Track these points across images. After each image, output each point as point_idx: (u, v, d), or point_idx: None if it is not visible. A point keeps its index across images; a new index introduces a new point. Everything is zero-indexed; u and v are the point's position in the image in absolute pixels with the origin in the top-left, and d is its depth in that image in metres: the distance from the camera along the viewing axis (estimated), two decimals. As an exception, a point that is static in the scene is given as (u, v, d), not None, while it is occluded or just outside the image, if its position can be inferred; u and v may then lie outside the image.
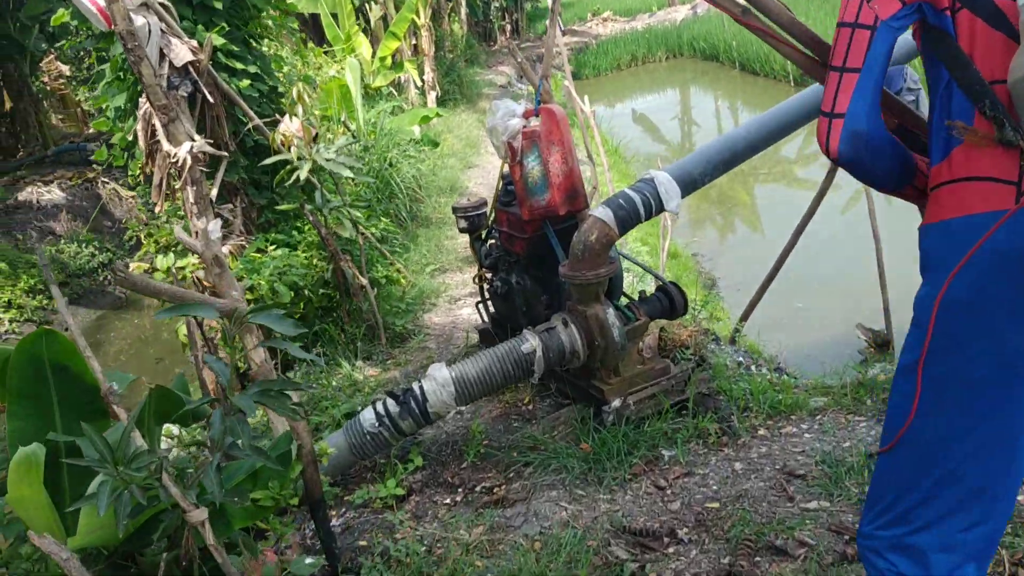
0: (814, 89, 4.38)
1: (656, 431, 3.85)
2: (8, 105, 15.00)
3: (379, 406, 3.88)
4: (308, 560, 2.64)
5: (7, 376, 3.07)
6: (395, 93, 13.28)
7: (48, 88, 16.56)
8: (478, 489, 3.80)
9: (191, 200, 4.95)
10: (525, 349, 3.87)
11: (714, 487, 3.46)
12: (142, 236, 6.73)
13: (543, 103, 4.07)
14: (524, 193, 4.04)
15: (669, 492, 3.48)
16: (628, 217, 3.83)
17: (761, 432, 3.86)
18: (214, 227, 4.24)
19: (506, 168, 4.31)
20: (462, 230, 4.99)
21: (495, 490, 3.76)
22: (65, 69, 16.30)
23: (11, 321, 10.72)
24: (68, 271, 12.00)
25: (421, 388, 3.85)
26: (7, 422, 3.10)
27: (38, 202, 13.32)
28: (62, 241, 12.47)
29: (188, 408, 2.67)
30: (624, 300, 4.34)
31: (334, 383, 5.08)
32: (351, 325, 5.74)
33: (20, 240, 12.34)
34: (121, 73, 5.64)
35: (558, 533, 3.28)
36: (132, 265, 5.88)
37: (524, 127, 3.98)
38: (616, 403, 3.93)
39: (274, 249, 5.55)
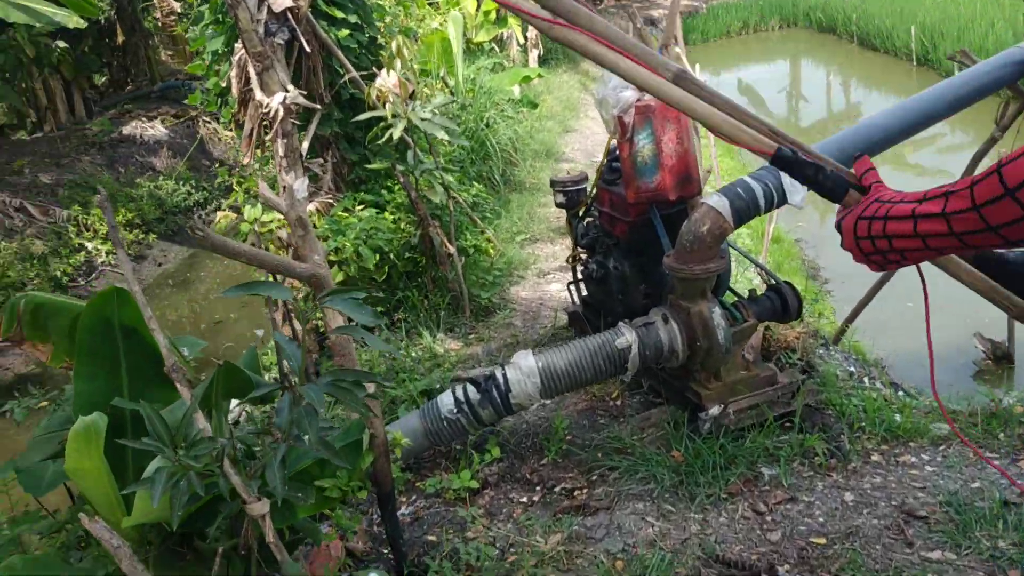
0: (961, 79, 3.92)
1: (757, 446, 3.52)
2: (120, 39, 15.20)
3: (459, 391, 3.64)
4: (372, 575, 2.43)
5: (77, 335, 2.93)
6: (496, 49, 12.92)
7: (159, 24, 16.75)
8: (557, 490, 3.55)
9: (281, 153, 4.77)
10: (620, 344, 3.57)
11: (820, 519, 3.12)
12: (233, 183, 6.62)
13: (661, 76, 3.71)
14: (631, 173, 3.71)
15: (769, 519, 3.16)
16: (746, 208, 3.46)
17: (875, 458, 3.49)
18: (300, 186, 4.03)
19: (613, 143, 3.97)
20: (559, 205, 4.68)
21: (576, 493, 3.49)
22: (176, 6, 16.44)
23: (107, 253, 10.90)
24: (165, 207, 12.15)
25: (504, 376, 3.60)
26: (74, 382, 2.97)
27: (141, 137, 13.50)
28: (161, 177, 12.61)
29: (256, 395, 2.47)
30: (730, 297, 3.99)
31: (413, 354, 4.88)
32: (435, 294, 5.51)
33: (122, 173, 12.53)
34: (219, 16, 5.47)
35: (643, 553, 3.00)
36: (219, 214, 5.75)
37: (638, 100, 3.64)
38: (714, 411, 3.60)
39: (362, 209, 5.34)
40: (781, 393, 3.74)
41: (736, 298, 3.94)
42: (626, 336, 3.59)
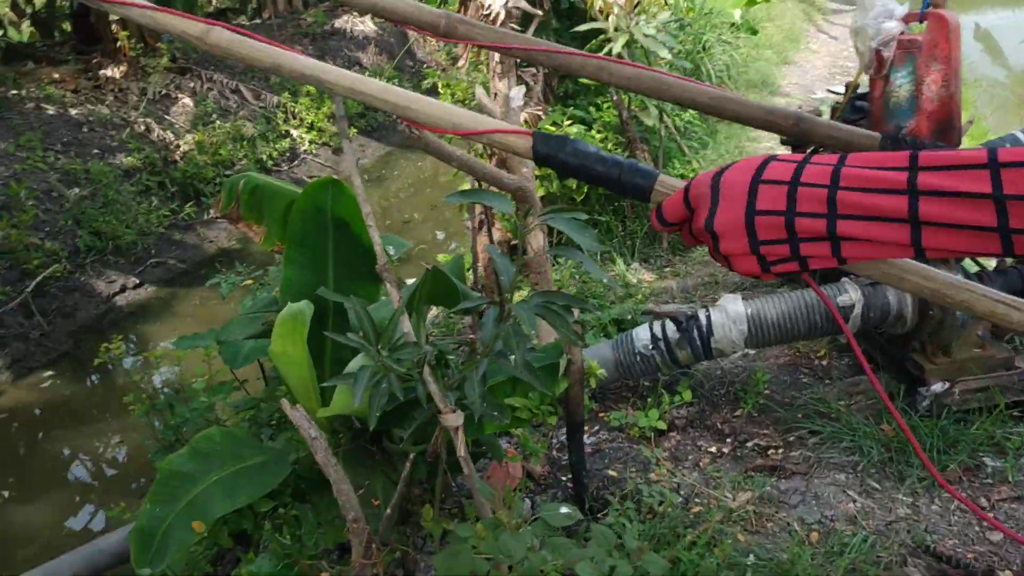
0: None
1: (982, 433, 3.16)
2: (339, -70, 15.48)
3: (656, 327, 3.46)
4: (564, 510, 2.34)
5: (290, 221, 2.95)
6: (719, -32, 12.20)
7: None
8: (750, 445, 3.34)
9: (496, 59, 4.65)
10: (842, 301, 3.27)
11: (1052, 526, 2.77)
12: (439, 85, 6.59)
13: (933, 6, 3.29)
14: (881, 114, 3.33)
15: (990, 516, 2.83)
16: (1013, 168, 3.03)
17: (1123, 467, 3.07)
18: (516, 94, 3.89)
19: (863, 79, 3.59)
20: (785, 142, 4.33)
21: (770, 452, 3.28)
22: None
23: (310, 143, 11.29)
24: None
25: (708, 319, 3.38)
26: (283, 267, 3.01)
27: (351, 31, 13.80)
28: (366, 73, 12.85)
29: (464, 307, 2.38)
30: (973, 266, 3.58)
31: (605, 280, 4.72)
32: (633, 220, 5.31)
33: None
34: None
35: (842, 529, 2.76)
36: (426, 115, 5.72)
37: (902, 34, 3.23)
38: (937, 387, 3.26)
39: (569, 124, 5.16)
40: (1018, 379, 3.33)
41: (979, 268, 3.52)
42: (850, 294, 3.28)
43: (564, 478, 3.21)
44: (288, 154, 10.97)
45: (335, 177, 2.92)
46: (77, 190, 8.74)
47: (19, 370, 6.92)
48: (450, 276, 2.73)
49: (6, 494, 5.58)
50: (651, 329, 3.46)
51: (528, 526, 2.32)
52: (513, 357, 2.24)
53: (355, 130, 11.98)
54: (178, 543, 2.49)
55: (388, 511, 2.40)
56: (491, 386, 2.79)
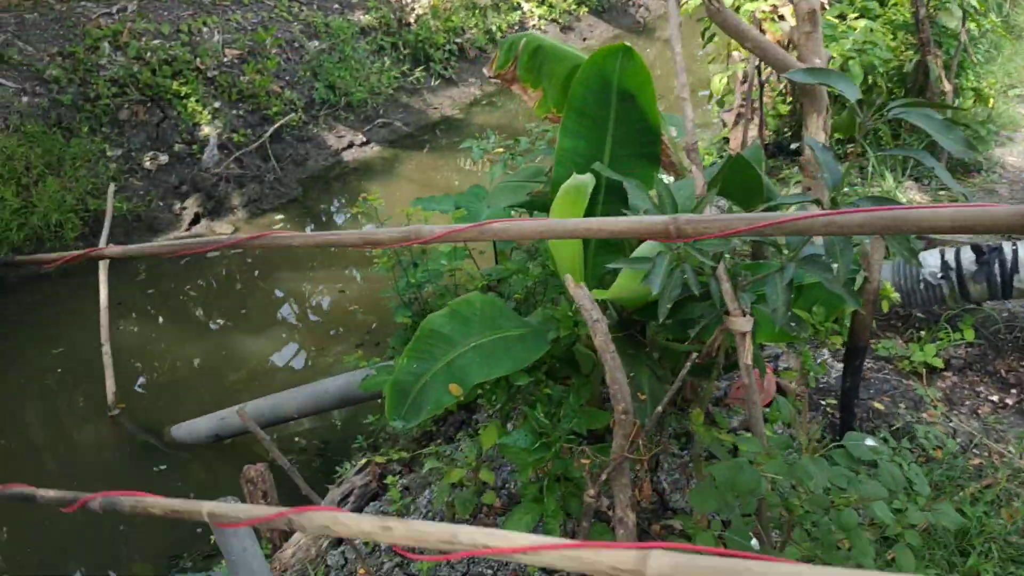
0: None
1: None
2: None
3: (949, 255, 3.09)
4: (869, 442, 2.11)
5: (571, 89, 2.75)
6: None
7: None
8: (1039, 400, 2.97)
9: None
10: None
11: None
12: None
13: None
14: None
15: None
16: None
17: None
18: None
19: None
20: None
21: (1065, 412, 2.90)
22: None
23: (540, 18, 11.02)
24: (600, -19, 11.97)
25: (1015, 253, 2.98)
26: (559, 137, 2.83)
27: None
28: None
29: (778, 202, 2.13)
30: None
31: (869, 193, 4.30)
32: (910, 133, 4.78)
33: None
34: None
35: None
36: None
37: None
38: None
39: (855, 18, 4.64)
40: None
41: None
42: None
43: (823, 401, 2.97)
44: (517, 27, 10.76)
45: (627, 44, 2.68)
46: (317, 43, 8.94)
47: (253, 209, 7.28)
48: (754, 166, 2.46)
49: (221, 322, 5.94)
50: (942, 256, 3.09)
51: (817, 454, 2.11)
52: (836, 266, 2.00)
53: (586, 9, 11.61)
54: (433, 402, 2.44)
55: (659, 409, 2.25)
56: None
